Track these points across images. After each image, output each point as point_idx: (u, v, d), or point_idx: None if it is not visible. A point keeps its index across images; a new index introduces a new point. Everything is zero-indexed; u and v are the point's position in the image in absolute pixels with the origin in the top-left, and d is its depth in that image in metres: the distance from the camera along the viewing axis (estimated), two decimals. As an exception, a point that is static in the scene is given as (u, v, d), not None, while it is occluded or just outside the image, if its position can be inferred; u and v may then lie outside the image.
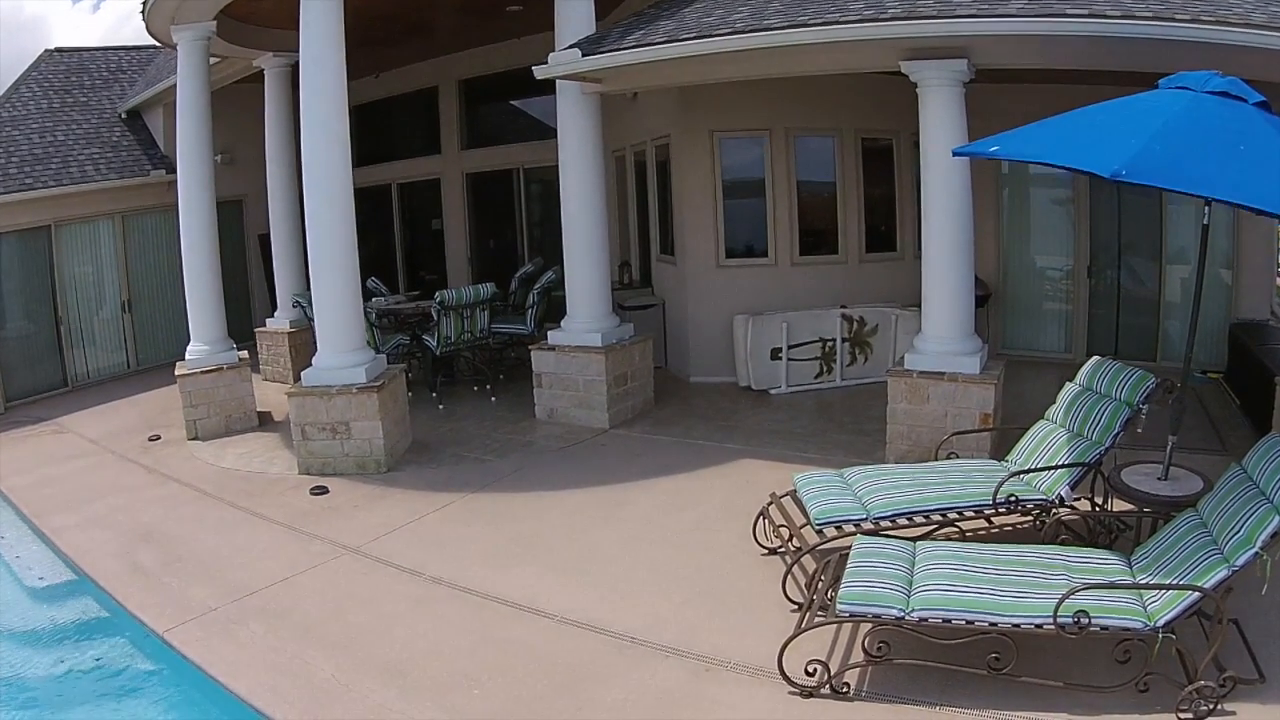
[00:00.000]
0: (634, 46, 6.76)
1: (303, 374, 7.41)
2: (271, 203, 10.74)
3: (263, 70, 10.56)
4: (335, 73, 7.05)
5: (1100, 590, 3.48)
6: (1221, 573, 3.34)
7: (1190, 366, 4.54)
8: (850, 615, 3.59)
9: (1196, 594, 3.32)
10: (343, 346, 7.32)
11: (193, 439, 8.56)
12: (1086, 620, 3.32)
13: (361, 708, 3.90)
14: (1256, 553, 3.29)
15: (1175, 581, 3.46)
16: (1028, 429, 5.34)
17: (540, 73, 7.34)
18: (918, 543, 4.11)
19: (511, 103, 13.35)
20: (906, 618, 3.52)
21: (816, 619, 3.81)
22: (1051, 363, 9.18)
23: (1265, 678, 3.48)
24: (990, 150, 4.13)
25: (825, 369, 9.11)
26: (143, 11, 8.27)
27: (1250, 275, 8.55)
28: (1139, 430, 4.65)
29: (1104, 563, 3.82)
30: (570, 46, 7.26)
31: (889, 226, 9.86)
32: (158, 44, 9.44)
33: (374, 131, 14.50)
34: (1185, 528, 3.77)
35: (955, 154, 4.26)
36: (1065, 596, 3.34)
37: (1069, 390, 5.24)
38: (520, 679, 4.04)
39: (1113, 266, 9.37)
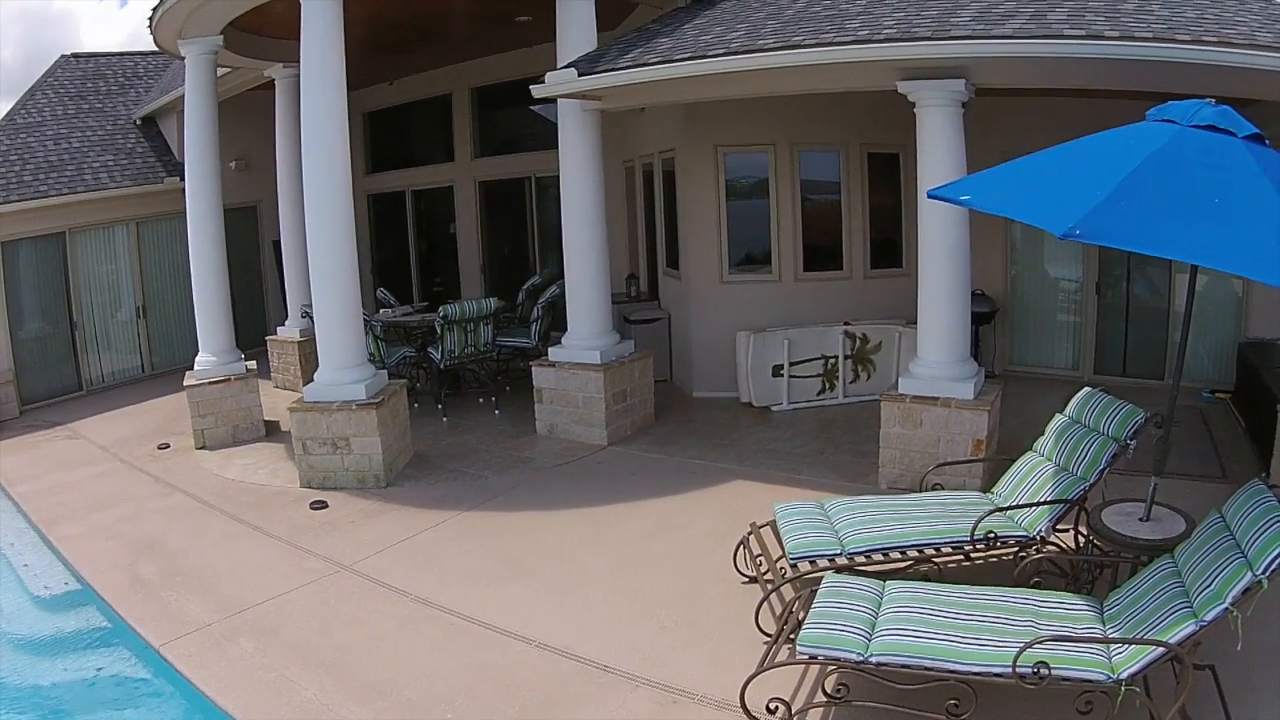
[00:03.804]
0: (629, 67, 6.77)
1: (304, 390, 7.50)
2: (281, 211, 10.86)
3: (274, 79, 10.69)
4: (336, 88, 7.12)
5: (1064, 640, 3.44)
6: (1189, 627, 3.26)
7: (1176, 402, 4.42)
8: (810, 657, 3.58)
9: (1161, 649, 3.27)
10: (343, 363, 7.40)
11: (200, 448, 8.71)
12: (1047, 671, 3.29)
13: (337, 728, 3.98)
14: (1226, 609, 3.20)
15: (1143, 633, 3.40)
16: (1014, 460, 5.30)
17: (538, 92, 7.36)
18: (888, 582, 4.08)
19: (524, 111, 13.34)
20: (866, 661, 3.49)
21: (779, 658, 3.80)
22: (1059, 380, 9.09)
23: (1234, 731, 3.43)
24: (961, 199, 4.05)
25: (827, 386, 9.07)
26: (150, 25, 8.37)
27: (1262, 292, 8.27)
28: (1130, 452, 4.59)
29: (1074, 609, 3.77)
30: (567, 66, 7.27)
31: (894, 242, 9.76)
32: (170, 53, 9.55)
33: (388, 138, 14.60)
34: (1159, 575, 3.70)
35: (930, 196, 4.19)
36: (1025, 647, 3.31)
37: (1058, 422, 5.17)
38: (491, 704, 4.10)
39: (1122, 282, 9.24)
